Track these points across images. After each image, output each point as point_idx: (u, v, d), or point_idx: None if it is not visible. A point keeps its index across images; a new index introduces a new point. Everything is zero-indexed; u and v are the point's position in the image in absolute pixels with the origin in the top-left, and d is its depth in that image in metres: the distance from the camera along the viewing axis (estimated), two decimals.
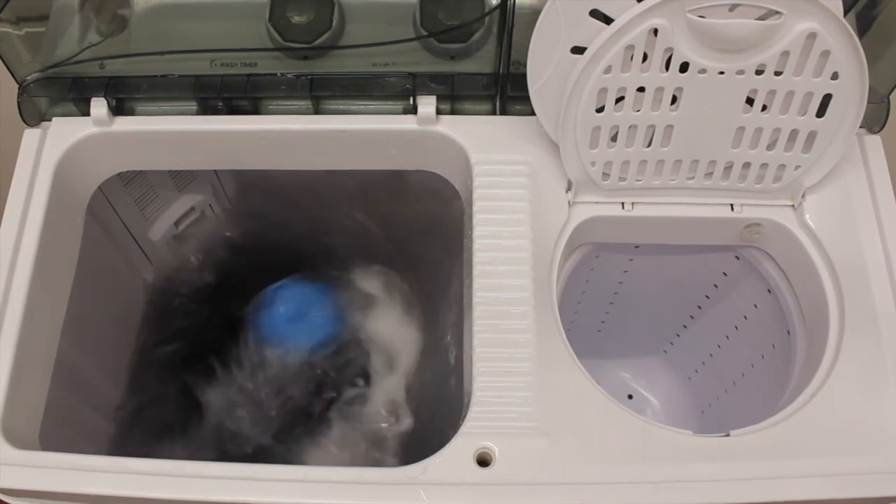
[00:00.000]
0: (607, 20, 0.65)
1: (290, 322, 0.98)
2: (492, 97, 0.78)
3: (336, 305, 0.99)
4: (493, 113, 0.78)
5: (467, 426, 0.64)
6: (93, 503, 0.64)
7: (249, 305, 1.01)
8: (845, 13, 0.64)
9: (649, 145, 0.71)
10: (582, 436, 0.64)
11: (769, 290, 0.82)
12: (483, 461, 0.62)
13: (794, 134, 0.70)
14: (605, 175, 0.73)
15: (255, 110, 0.79)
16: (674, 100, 0.68)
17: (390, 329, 0.99)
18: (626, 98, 0.68)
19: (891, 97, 0.75)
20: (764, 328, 0.85)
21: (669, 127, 0.70)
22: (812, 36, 0.63)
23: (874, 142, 0.77)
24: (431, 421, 0.94)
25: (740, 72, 0.65)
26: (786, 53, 0.64)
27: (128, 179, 0.90)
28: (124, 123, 0.78)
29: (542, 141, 0.75)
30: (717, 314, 0.95)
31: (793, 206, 0.75)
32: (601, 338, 1.06)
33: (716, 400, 1.00)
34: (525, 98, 0.72)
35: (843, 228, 0.73)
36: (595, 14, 0.65)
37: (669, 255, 0.88)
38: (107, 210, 0.88)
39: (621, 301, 0.98)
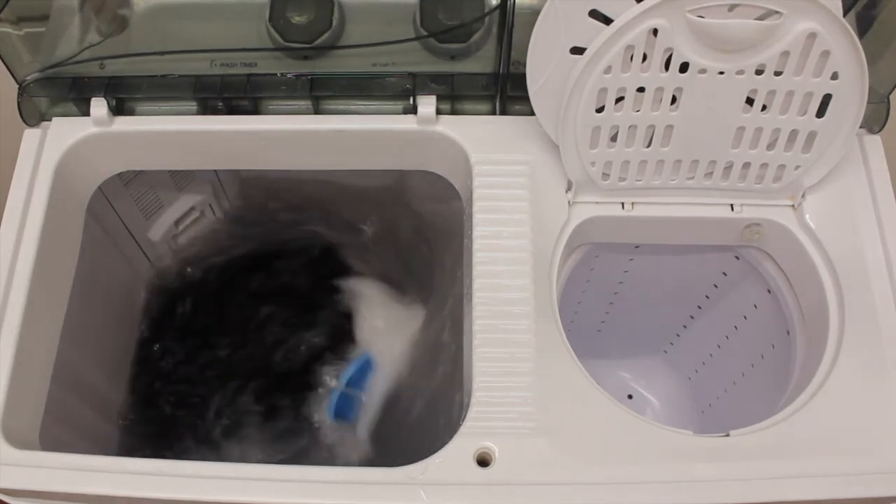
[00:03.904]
0: (607, 20, 0.65)
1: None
2: (492, 97, 0.78)
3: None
4: (493, 113, 0.78)
5: (467, 426, 0.64)
6: (93, 503, 0.64)
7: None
8: (845, 13, 0.64)
9: (649, 145, 0.71)
10: (582, 436, 0.64)
11: (769, 290, 0.82)
12: (483, 461, 0.62)
13: (793, 134, 0.70)
14: (605, 175, 0.73)
15: (255, 110, 0.79)
16: (673, 100, 0.68)
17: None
18: (625, 98, 0.68)
19: (891, 97, 0.75)
20: (764, 328, 0.85)
21: (669, 127, 0.70)
22: (812, 36, 0.63)
23: (874, 142, 0.77)
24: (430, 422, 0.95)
25: (740, 72, 0.65)
26: (786, 53, 0.64)
27: (128, 179, 0.90)
28: (124, 123, 0.78)
29: (542, 141, 0.75)
30: (717, 314, 0.95)
31: (793, 206, 0.75)
32: (601, 338, 1.05)
33: (716, 400, 1.00)
34: (525, 98, 0.72)
35: (843, 228, 0.73)
36: (594, 14, 0.65)
37: (669, 255, 0.88)
38: (107, 210, 0.88)
39: (621, 301, 0.98)
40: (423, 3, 0.75)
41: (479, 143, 0.76)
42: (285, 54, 0.77)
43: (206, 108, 0.78)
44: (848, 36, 0.63)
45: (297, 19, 0.76)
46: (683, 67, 0.66)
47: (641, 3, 0.63)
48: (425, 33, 0.75)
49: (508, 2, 0.71)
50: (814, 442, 0.64)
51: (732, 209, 0.76)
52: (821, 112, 0.68)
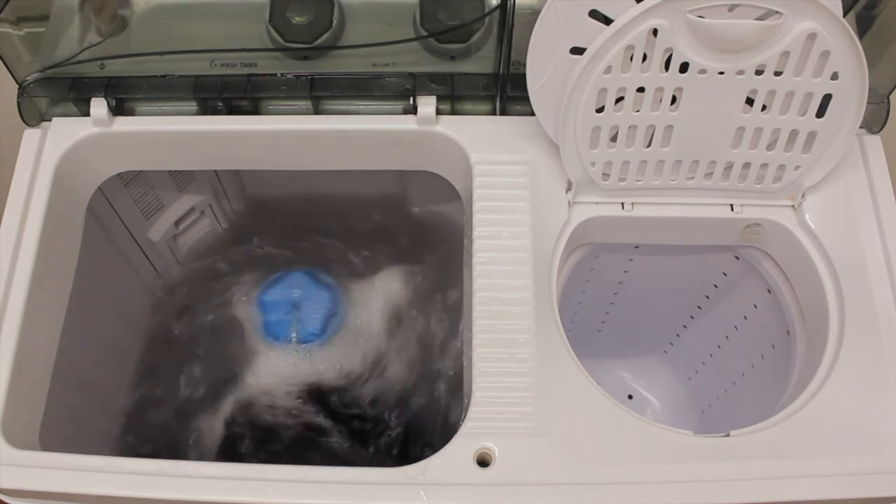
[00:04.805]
0: (607, 21, 0.65)
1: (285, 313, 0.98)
2: (492, 97, 0.78)
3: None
4: (493, 113, 0.78)
5: (467, 426, 0.64)
6: (93, 503, 0.64)
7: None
8: (845, 13, 0.64)
9: (649, 145, 0.71)
10: (582, 436, 0.64)
11: (769, 290, 0.82)
12: (483, 461, 0.62)
13: (793, 134, 0.70)
14: (605, 175, 0.73)
15: (255, 110, 0.79)
16: (673, 100, 0.68)
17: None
18: (625, 98, 0.68)
19: (891, 97, 0.75)
20: (764, 328, 0.85)
21: (669, 127, 0.70)
22: (812, 36, 0.63)
23: (874, 142, 0.77)
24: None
25: (740, 72, 0.65)
26: (786, 54, 0.64)
27: (128, 179, 0.90)
28: (124, 123, 0.78)
29: (542, 141, 0.75)
30: (717, 314, 0.95)
31: (793, 206, 0.75)
32: (601, 338, 1.05)
33: (716, 400, 1.00)
34: (525, 98, 0.72)
35: (843, 228, 0.73)
36: (594, 14, 0.65)
37: (669, 255, 0.88)
38: (107, 210, 0.88)
39: (621, 301, 0.98)
40: (423, 3, 0.75)
41: (479, 143, 0.76)
42: (285, 54, 0.77)
43: (206, 109, 0.78)
44: (848, 36, 0.63)
45: (297, 19, 0.76)
46: (683, 67, 0.66)
47: (641, 3, 0.63)
48: (425, 33, 0.75)
49: (508, 2, 0.71)
50: (814, 442, 0.64)
51: (732, 209, 0.76)
52: (821, 112, 0.68)
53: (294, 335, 0.95)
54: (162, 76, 0.78)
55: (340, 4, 0.76)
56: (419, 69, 0.77)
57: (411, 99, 0.77)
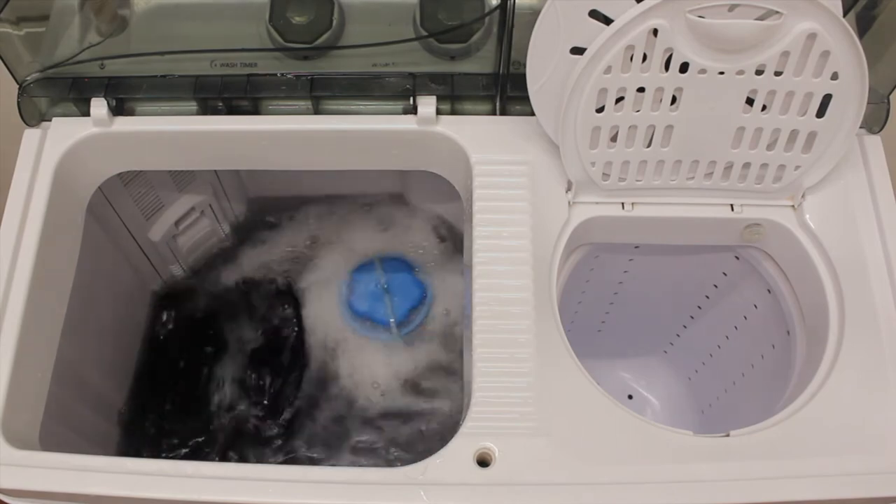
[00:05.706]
0: (607, 21, 0.65)
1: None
2: (492, 97, 0.78)
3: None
4: (493, 113, 0.78)
5: (467, 426, 0.64)
6: (93, 503, 0.64)
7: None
8: (845, 13, 0.64)
9: (649, 145, 0.71)
10: (582, 436, 0.64)
11: (769, 290, 0.82)
12: (483, 461, 0.63)
13: (794, 134, 0.70)
14: (605, 175, 0.73)
15: (255, 110, 0.79)
16: (674, 100, 0.68)
17: None
18: (625, 98, 0.68)
19: (891, 97, 0.75)
20: (764, 328, 0.85)
21: (669, 127, 0.70)
22: (812, 36, 0.63)
23: (874, 142, 0.77)
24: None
25: (740, 72, 0.65)
26: (786, 54, 0.64)
27: (128, 179, 0.90)
28: (124, 123, 0.78)
29: (542, 141, 0.75)
30: (717, 314, 0.95)
31: (793, 206, 0.75)
32: (601, 338, 1.06)
33: (716, 400, 1.00)
34: (525, 98, 0.72)
35: (843, 228, 0.73)
36: (594, 14, 0.65)
37: (669, 255, 0.88)
38: (107, 210, 0.88)
39: (621, 301, 0.98)
40: (423, 3, 0.75)
41: (479, 143, 0.76)
42: (285, 54, 0.77)
43: (206, 108, 0.78)
44: (848, 36, 0.63)
45: (297, 19, 0.76)
46: (683, 67, 0.66)
47: (641, 4, 0.63)
48: (425, 33, 0.75)
49: (508, 2, 0.71)
50: (814, 442, 0.64)
51: (732, 209, 0.76)
52: (821, 112, 0.68)
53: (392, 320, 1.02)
54: (162, 76, 0.78)
55: (340, 4, 0.76)
56: (419, 69, 0.77)
57: (411, 99, 0.77)
